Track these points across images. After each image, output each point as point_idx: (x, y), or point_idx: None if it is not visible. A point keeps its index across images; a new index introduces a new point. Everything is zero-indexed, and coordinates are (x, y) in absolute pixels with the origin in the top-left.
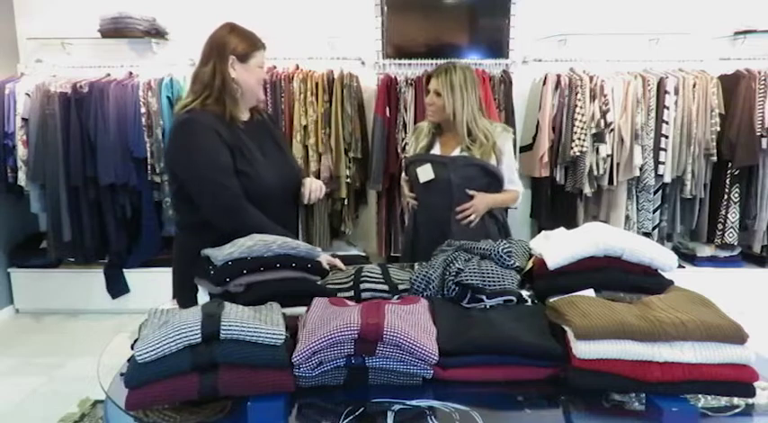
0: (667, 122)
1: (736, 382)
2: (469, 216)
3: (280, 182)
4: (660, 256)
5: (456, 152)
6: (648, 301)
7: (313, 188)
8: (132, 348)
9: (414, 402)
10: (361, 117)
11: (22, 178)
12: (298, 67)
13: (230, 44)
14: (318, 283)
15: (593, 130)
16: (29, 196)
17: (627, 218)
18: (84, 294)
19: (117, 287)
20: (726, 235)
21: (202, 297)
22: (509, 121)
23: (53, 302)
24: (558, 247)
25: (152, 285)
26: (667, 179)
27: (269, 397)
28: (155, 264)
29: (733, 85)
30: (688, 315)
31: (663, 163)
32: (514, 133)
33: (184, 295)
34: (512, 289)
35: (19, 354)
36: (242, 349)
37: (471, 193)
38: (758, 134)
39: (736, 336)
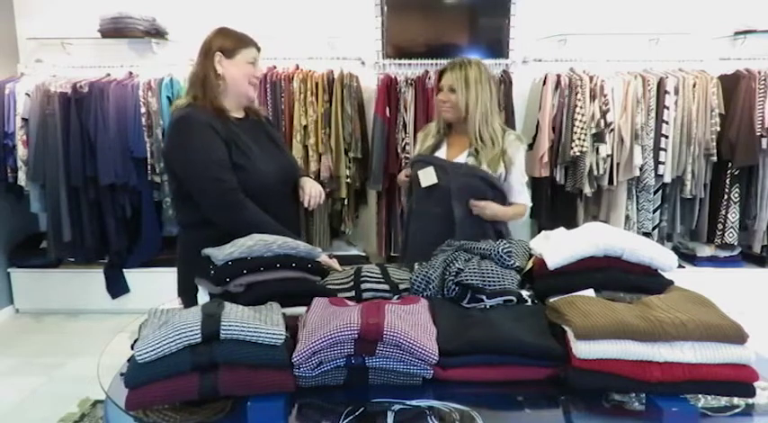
0: (667, 122)
1: (736, 382)
2: (478, 208)
3: (277, 174)
4: (660, 256)
5: (463, 155)
6: (648, 301)
7: (313, 194)
8: (132, 348)
9: (414, 402)
10: (361, 117)
11: (22, 178)
12: (298, 67)
13: (216, 42)
14: (318, 283)
15: (594, 130)
16: (29, 196)
17: (627, 218)
18: (84, 294)
19: (117, 287)
20: (726, 235)
21: (202, 297)
22: (509, 121)
23: (53, 302)
24: (558, 248)
25: (152, 285)
26: (667, 179)
27: (269, 397)
28: (155, 264)
29: (733, 85)
30: (688, 315)
31: (663, 163)
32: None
33: (189, 293)
34: (512, 289)
35: (19, 354)
36: (242, 349)
37: (476, 203)
38: (758, 134)
39: (737, 336)
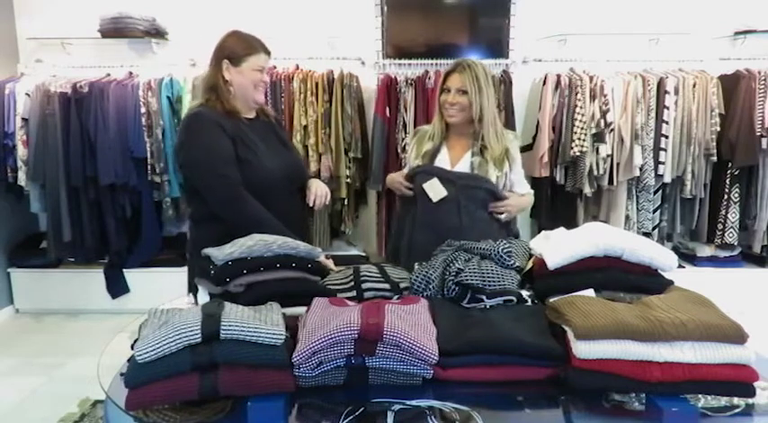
0: (667, 122)
1: (736, 382)
2: (503, 211)
3: (282, 171)
4: (660, 256)
5: (466, 156)
6: (648, 301)
7: (319, 193)
8: (132, 348)
9: (414, 402)
10: (361, 117)
11: (22, 178)
12: (298, 67)
13: (225, 49)
14: (318, 283)
15: (594, 130)
16: (29, 196)
17: (627, 218)
18: (84, 294)
19: (117, 287)
20: (726, 235)
21: (202, 297)
22: (509, 120)
23: (53, 302)
24: (558, 247)
25: (152, 285)
26: (667, 179)
27: (269, 397)
28: (155, 264)
29: (733, 85)
30: (688, 315)
31: (663, 163)
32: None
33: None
34: (512, 289)
35: (19, 354)
36: (242, 349)
37: (496, 205)
38: (758, 134)
39: (737, 336)
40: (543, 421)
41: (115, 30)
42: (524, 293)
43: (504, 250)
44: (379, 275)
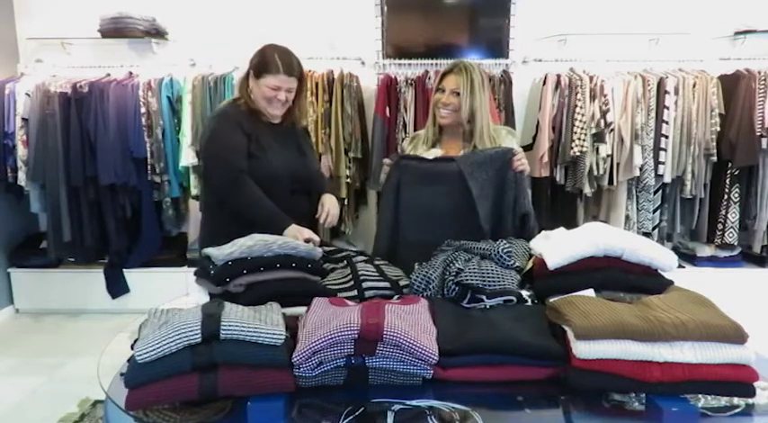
0: (667, 122)
1: (736, 382)
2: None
3: (286, 169)
4: (660, 256)
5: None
6: (648, 301)
7: (331, 212)
8: (132, 348)
9: (414, 402)
10: (361, 117)
11: (22, 178)
12: None
13: (253, 59)
14: (318, 283)
15: (594, 130)
16: (29, 196)
17: (627, 218)
18: (84, 294)
19: (117, 287)
20: (726, 235)
21: (203, 297)
22: (509, 121)
23: (53, 302)
24: (557, 248)
25: (152, 285)
26: (667, 179)
27: (269, 397)
28: (155, 264)
29: (733, 85)
30: (688, 315)
31: (663, 163)
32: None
33: None
34: (512, 289)
35: (19, 354)
36: (242, 349)
37: (517, 159)
38: (758, 134)
39: (737, 336)
40: (543, 421)
41: (115, 30)
42: (524, 293)
43: (504, 250)
44: (377, 274)
